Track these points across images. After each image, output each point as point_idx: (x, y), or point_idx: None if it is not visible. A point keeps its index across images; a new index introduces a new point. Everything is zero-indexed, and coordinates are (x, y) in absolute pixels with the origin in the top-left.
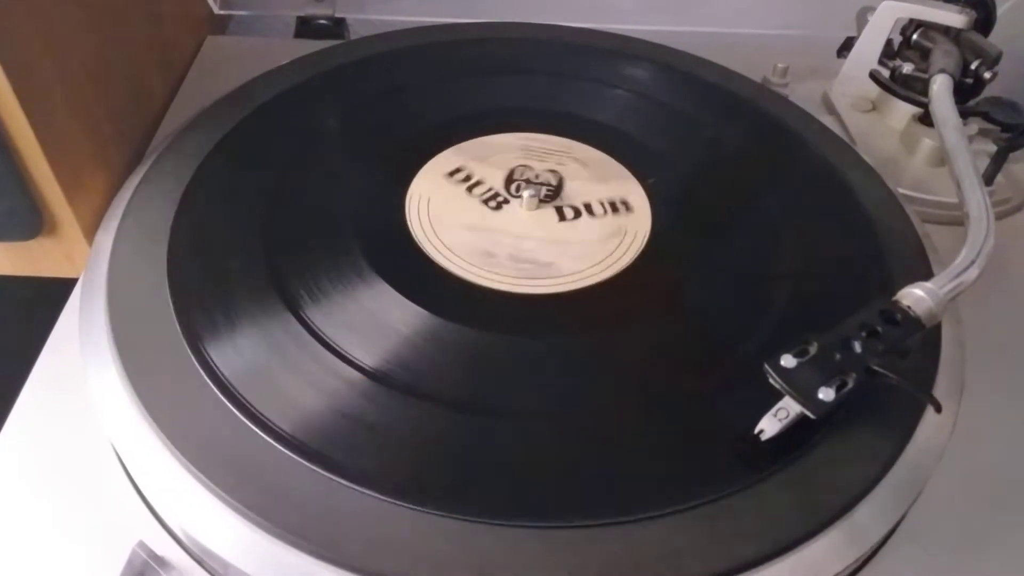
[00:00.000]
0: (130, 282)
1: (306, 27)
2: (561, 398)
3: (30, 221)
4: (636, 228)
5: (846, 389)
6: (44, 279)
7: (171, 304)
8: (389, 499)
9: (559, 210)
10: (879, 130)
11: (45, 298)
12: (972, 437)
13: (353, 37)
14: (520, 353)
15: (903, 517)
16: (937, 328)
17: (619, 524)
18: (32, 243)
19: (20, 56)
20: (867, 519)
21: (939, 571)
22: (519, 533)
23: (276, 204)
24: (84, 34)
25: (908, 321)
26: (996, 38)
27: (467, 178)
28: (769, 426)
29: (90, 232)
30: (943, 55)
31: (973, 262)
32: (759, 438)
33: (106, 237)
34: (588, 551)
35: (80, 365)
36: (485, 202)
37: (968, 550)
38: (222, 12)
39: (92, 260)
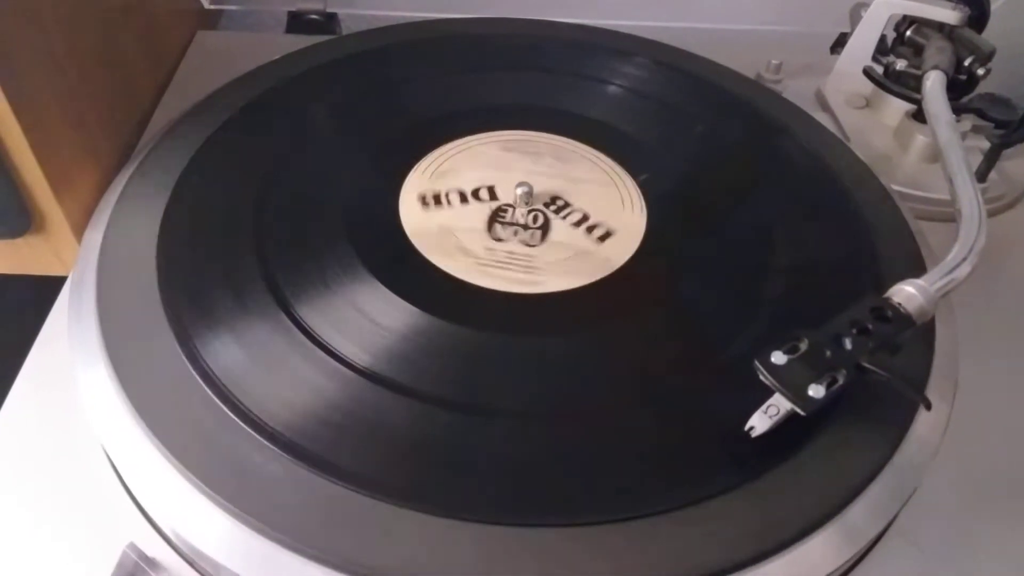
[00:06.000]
0: (120, 280)
1: (297, 22)
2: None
3: (18, 218)
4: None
5: (836, 386)
6: (32, 277)
7: (161, 302)
8: (382, 499)
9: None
10: (873, 127)
11: (34, 297)
12: (966, 435)
13: (345, 32)
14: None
15: (896, 515)
16: (931, 325)
17: (608, 524)
18: (20, 241)
19: (6, 50)
20: (860, 518)
21: (932, 570)
22: (511, 533)
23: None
24: (72, 28)
25: (899, 318)
26: (990, 35)
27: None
28: (759, 423)
29: (79, 229)
30: (937, 51)
31: (964, 259)
32: (749, 435)
33: (95, 234)
34: (576, 552)
35: (69, 364)
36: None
37: (962, 548)
38: (212, 7)
39: (81, 258)
